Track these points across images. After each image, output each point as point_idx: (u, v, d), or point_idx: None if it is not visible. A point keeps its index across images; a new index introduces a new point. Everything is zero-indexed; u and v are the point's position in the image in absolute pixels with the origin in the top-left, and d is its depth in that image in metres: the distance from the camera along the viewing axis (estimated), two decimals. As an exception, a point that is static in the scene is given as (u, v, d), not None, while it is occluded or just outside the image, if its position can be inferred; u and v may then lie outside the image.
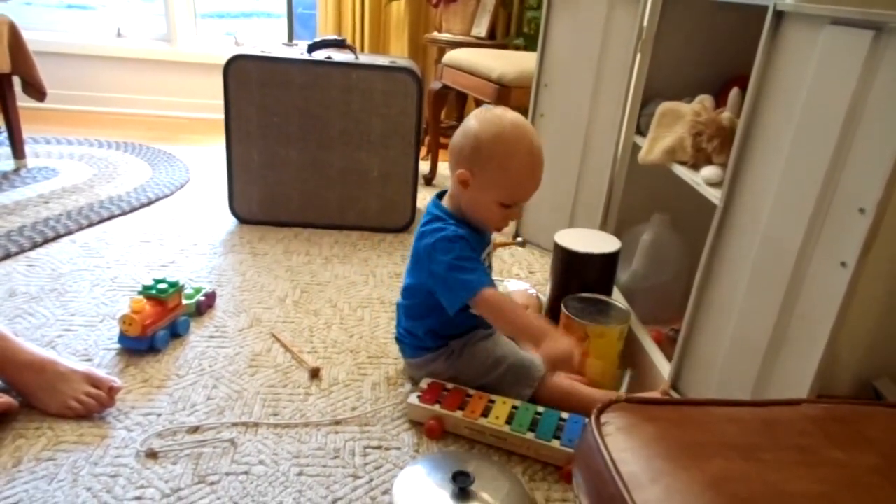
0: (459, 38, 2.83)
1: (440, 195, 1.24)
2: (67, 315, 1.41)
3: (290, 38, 2.45)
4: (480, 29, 2.84)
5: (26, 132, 2.37)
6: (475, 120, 1.14)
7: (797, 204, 0.90)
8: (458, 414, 1.13)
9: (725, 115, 1.18)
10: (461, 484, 0.97)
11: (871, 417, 0.71)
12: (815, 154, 0.87)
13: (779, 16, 0.94)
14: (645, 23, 1.50)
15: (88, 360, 1.26)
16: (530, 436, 1.08)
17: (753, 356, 0.99)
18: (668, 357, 1.24)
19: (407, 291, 1.24)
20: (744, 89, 1.04)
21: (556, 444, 1.07)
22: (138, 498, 0.95)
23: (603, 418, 0.69)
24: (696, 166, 1.22)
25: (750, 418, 0.70)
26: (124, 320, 1.27)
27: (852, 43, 0.80)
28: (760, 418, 0.70)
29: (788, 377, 0.93)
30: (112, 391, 1.13)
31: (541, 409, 1.14)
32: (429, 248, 1.13)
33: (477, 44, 2.75)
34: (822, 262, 0.86)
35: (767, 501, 0.57)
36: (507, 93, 2.01)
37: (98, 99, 3.33)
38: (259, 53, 1.84)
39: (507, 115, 1.14)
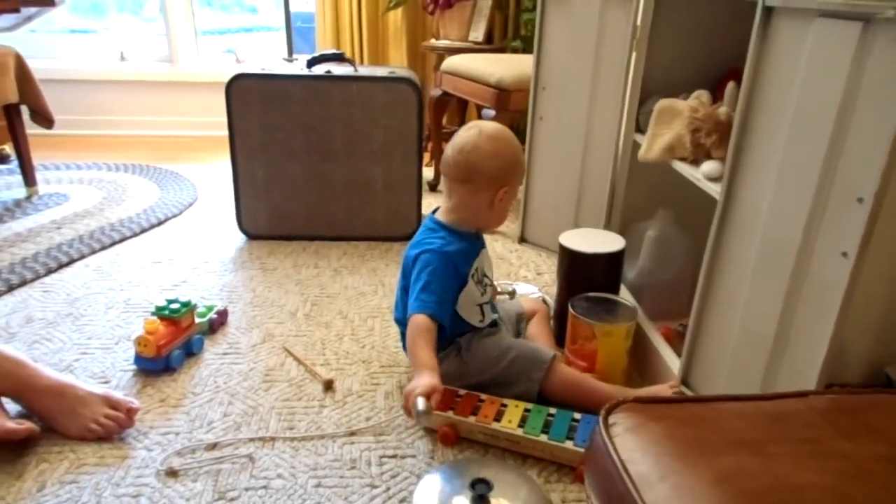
0: (457, 43, 2.85)
1: (435, 210, 1.29)
2: (84, 339, 1.44)
3: (290, 52, 2.48)
4: (477, 33, 2.86)
5: (36, 159, 2.41)
6: (485, 141, 1.19)
7: (796, 196, 0.90)
8: (472, 419, 1.14)
9: (722, 109, 1.18)
10: (480, 491, 0.98)
11: (879, 406, 0.72)
12: (811, 146, 0.87)
13: (768, 11, 0.94)
14: (639, 21, 1.51)
15: (106, 382, 1.28)
16: (544, 438, 1.09)
17: (761, 348, 0.99)
18: (678, 352, 1.24)
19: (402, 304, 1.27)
20: (740, 83, 1.04)
21: (569, 444, 1.08)
22: (161, 516, 0.97)
23: (611, 419, 0.70)
24: (695, 162, 1.23)
25: (757, 413, 0.71)
26: (139, 341, 1.29)
27: (841, 35, 0.81)
28: (767, 412, 0.71)
29: (797, 367, 0.93)
30: (130, 412, 1.15)
31: (553, 410, 1.15)
32: (416, 257, 1.20)
33: (475, 49, 2.76)
34: (824, 253, 0.86)
35: (775, 495, 0.57)
36: (507, 96, 2.02)
37: (104, 122, 3.38)
38: (260, 71, 1.86)
39: (489, 125, 1.22)
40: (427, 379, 1.04)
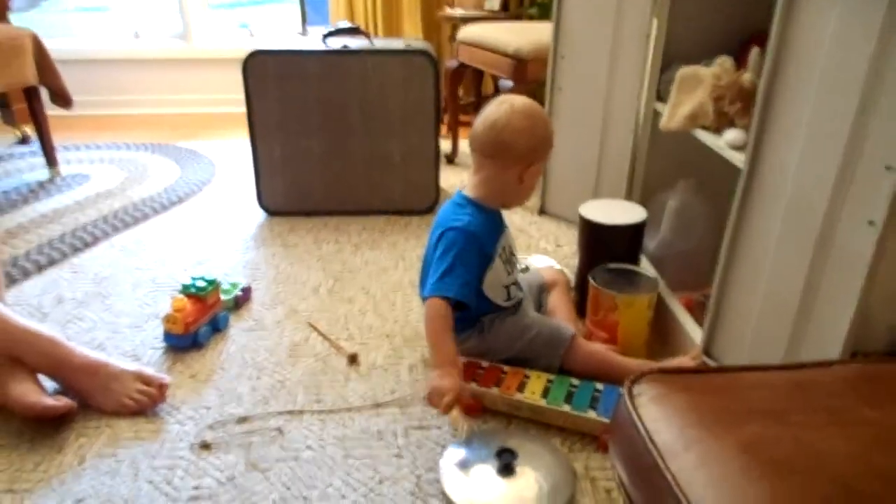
0: (473, 12, 2.81)
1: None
2: (113, 317, 1.47)
3: (304, 25, 2.47)
4: (493, 2, 2.82)
5: (56, 140, 2.44)
6: (518, 118, 1.18)
7: (823, 164, 0.89)
8: (495, 390, 1.15)
9: (746, 76, 1.16)
10: (506, 460, 1.00)
11: (904, 375, 0.72)
12: (838, 113, 0.86)
13: (795, -27, 0.92)
14: (659, -14, 1.48)
15: (137, 359, 1.32)
16: (566, 408, 1.11)
17: (785, 316, 0.99)
18: (700, 323, 1.24)
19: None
20: (763, 48, 1.02)
21: (592, 414, 1.09)
22: (196, 487, 1.00)
23: (635, 390, 0.71)
24: (718, 130, 1.21)
25: (781, 382, 0.71)
26: (168, 319, 1.32)
27: (871, -3, 0.79)
28: (792, 382, 0.71)
29: (821, 336, 0.93)
30: (162, 388, 1.18)
31: (575, 381, 1.17)
32: (441, 234, 1.19)
33: (491, 17, 2.72)
34: (850, 222, 0.85)
35: (801, 462, 0.58)
36: (524, 67, 2.00)
37: (121, 102, 3.40)
38: (276, 48, 1.86)
39: (521, 101, 1.21)
40: (450, 381, 1.04)
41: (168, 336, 1.34)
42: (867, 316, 0.87)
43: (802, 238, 0.94)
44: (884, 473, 0.56)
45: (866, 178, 0.83)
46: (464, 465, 1.03)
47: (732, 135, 1.15)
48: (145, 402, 1.16)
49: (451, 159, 2.52)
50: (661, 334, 1.35)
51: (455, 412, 1.06)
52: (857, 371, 0.73)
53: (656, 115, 1.49)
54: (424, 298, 1.18)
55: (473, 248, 1.17)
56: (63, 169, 2.46)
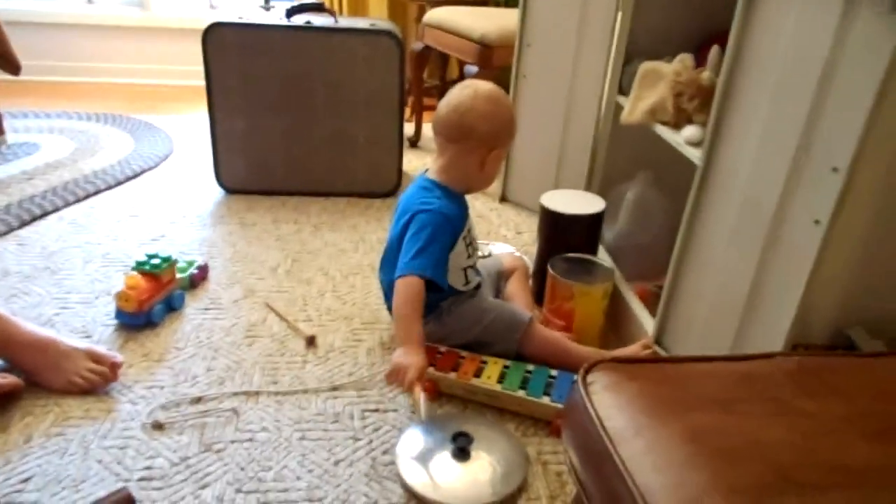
0: (440, -5, 2.78)
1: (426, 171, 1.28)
2: (63, 293, 1.43)
3: (268, 0, 2.42)
4: (460, -15, 2.79)
5: (2, 107, 2.33)
6: (481, 103, 1.18)
7: (774, 163, 0.92)
8: (452, 375, 1.17)
9: (705, 74, 1.19)
10: (462, 444, 1.02)
11: (840, 368, 0.76)
12: (791, 114, 0.89)
13: (756, -24, 0.94)
14: (625, -20, 1.49)
15: (87, 336, 1.28)
16: (521, 393, 1.13)
17: (733, 309, 1.03)
18: (653, 313, 1.28)
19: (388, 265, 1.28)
20: (724, 47, 1.05)
21: (546, 400, 1.12)
22: (148, 468, 0.99)
23: (589, 378, 0.73)
24: (677, 126, 1.24)
25: (727, 373, 0.74)
26: (120, 296, 1.29)
27: (826, 4, 0.82)
28: (737, 372, 0.74)
29: (766, 329, 0.97)
30: (114, 366, 1.16)
31: (531, 367, 1.19)
32: (412, 216, 1.18)
33: (458, 1, 2.70)
34: (797, 220, 0.89)
35: (744, 450, 0.61)
36: (490, 53, 2.00)
37: (73, 69, 3.26)
38: (237, 20, 1.81)
39: (485, 86, 1.22)
40: (415, 359, 1.05)
41: (120, 314, 1.31)
42: (809, 311, 0.92)
43: (752, 234, 0.97)
44: (820, 463, 0.59)
45: (814, 179, 0.86)
46: (419, 448, 1.04)
47: (690, 131, 1.18)
48: (96, 381, 1.13)
49: (414, 143, 2.51)
50: (616, 323, 1.39)
51: (417, 391, 1.04)
52: (797, 364, 0.76)
53: (618, 107, 1.51)
54: (388, 281, 1.18)
55: (447, 231, 1.18)
56: (10, 137, 2.35)
